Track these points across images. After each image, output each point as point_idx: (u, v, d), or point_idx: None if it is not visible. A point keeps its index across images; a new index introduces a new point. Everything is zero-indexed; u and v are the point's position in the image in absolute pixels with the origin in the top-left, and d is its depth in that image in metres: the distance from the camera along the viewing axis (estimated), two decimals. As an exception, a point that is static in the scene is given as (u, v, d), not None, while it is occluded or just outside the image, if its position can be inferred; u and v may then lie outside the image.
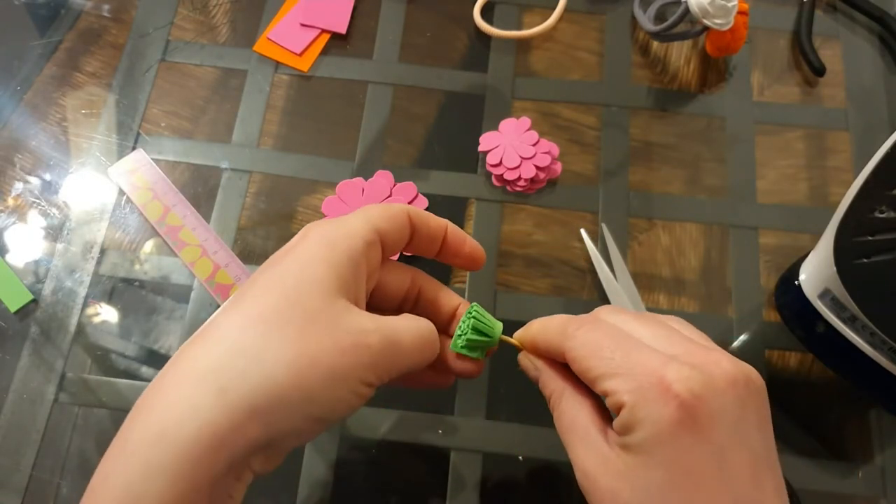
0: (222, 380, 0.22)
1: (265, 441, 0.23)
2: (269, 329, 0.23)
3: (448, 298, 0.31)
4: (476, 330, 0.29)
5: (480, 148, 0.47)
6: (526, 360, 0.29)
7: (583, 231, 0.45)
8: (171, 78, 0.50)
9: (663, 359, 0.23)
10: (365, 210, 0.28)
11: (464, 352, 0.30)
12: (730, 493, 0.22)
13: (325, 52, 0.51)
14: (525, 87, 0.50)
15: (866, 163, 0.35)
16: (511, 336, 0.30)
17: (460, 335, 0.30)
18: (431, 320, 0.29)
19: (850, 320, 0.36)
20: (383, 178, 0.46)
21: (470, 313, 0.30)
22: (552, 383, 0.27)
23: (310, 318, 0.24)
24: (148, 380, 0.42)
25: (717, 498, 0.22)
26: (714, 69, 0.51)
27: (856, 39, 0.52)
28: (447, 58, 0.51)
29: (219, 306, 0.43)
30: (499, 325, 0.30)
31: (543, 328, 0.28)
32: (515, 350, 0.30)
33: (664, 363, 0.23)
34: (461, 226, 0.45)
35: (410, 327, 0.27)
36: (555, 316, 0.28)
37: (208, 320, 0.25)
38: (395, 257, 0.39)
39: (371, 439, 0.40)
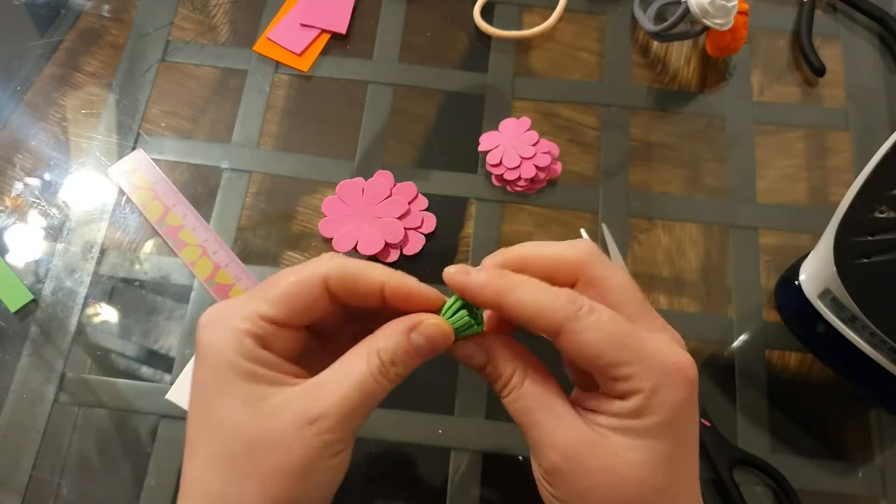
0: None
1: None
2: (224, 472, 0.24)
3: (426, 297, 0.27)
4: (465, 310, 0.26)
5: (480, 148, 0.47)
6: (471, 347, 0.26)
7: (583, 231, 0.45)
8: (171, 78, 0.50)
9: (669, 344, 0.25)
10: (260, 292, 0.25)
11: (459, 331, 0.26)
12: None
13: (325, 52, 0.51)
14: (525, 87, 0.50)
15: (866, 163, 0.35)
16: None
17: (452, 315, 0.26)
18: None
19: (850, 320, 0.36)
20: (383, 178, 0.46)
21: (453, 302, 0.26)
22: (510, 364, 0.25)
23: (248, 447, 0.23)
24: (148, 380, 0.42)
25: (696, 459, 0.25)
26: (714, 69, 0.51)
27: (856, 39, 0.52)
28: (447, 58, 0.51)
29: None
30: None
31: (534, 296, 0.24)
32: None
33: (672, 349, 0.24)
34: (461, 226, 0.45)
35: (342, 380, 0.24)
36: (534, 283, 0.25)
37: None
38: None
39: (371, 439, 0.40)
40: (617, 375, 0.24)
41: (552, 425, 0.24)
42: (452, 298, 0.26)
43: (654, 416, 0.23)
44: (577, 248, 0.26)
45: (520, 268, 0.25)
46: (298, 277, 0.25)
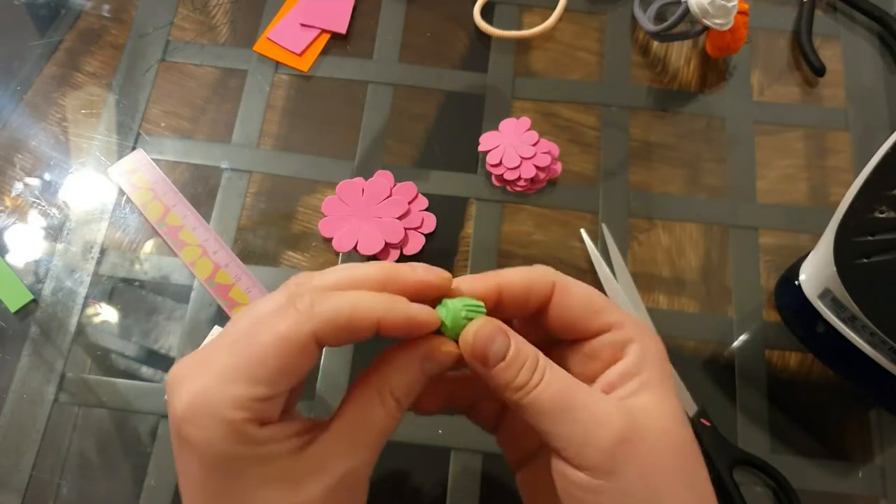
0: None
1: None
2: None
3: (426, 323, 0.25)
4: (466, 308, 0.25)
5: (480, 148, 0.47)
6: (492, 326, 0.23)
7: (583, 231, 0.45)
8: (171, 78, 0.50)
9: (641, 325, 0.25)
10: (240, 363, 0.21)
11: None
12: None
13: (325, 52, 0.51)
14: (525, 87, 0.50)
15: (866, 163, 0.35)
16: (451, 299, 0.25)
17: (453, 320, 0.24)
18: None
19: (850, 320, 0.36)
20: (383, 178, 0.46)
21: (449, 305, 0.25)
22: (529, 347, 0.24)
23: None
24: (148, 380, 0.42)
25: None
26: (714, 69, 0.51)
27: (856, 39, 0.52)
28: (447, 58, 0.51)
29: (219, 306, 0.43)
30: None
31: (525, 271, 0.25)
32: None
33: (645, 328, 0.25)
34: (461, 226, 0.46)
35: (365, 431, 0.23)
36: (501, 271, 0.25)
37: None
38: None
39: (371, 439, 0.40)
40: (610, 322, 0.24)
41: (598, 401, 0.23)
42: (450, 303, 0.24)
43: (655, 363, 0.24)
44: (545, 269, 0.26)
45: (494, 287, 0.25)
46: (283, 345, 0.21)
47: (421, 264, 0.25)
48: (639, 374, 0.24)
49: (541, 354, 0.24)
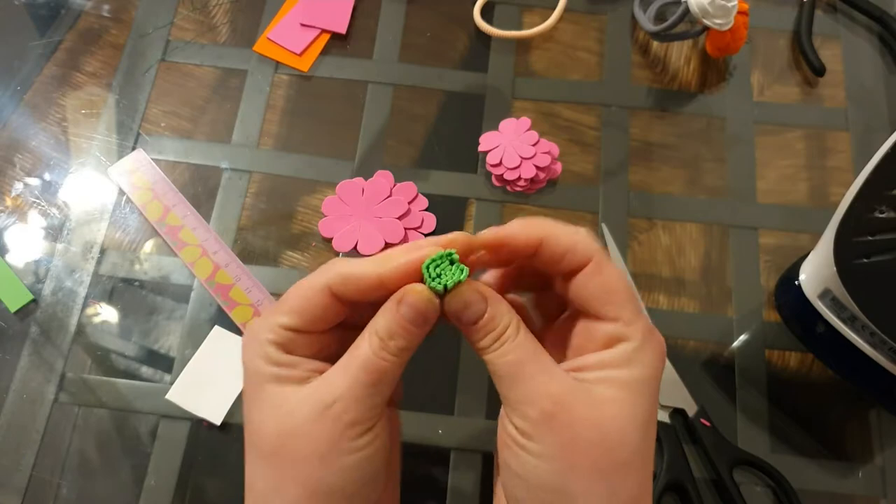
0: None
1: None
2: (262, 471, 0.26)
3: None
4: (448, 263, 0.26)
5: (480, 148, 0.47)
6: (469, 294, 0.26)
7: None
8: (171, 78, 0.50)
9: (650, 328, 0.27)
10: (280, 305, 0.27)
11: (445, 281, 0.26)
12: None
13: (325, 52, 0.51)
14: (525, 87, 0.50)
15: (866, 163, 0.35)
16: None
17: (436, 276, 0.26)
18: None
19: (850, 320, 0.36)
20: (383, 178, 0.46)
21: (437, 260, 0.26)
22: (508, 314, 0.26)
23: (277, 446, 0.25)
24: (148, 380, 0.42)
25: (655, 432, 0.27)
26: (714, 69, 0.51)
27: (856, 39, 0.52)
28: (447, 58, 0.51)
29: (219, 306, 0.43)
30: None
31: (571, 232, 0.26)
32: None
33: (655, 329, 0.27)
34: (461, 226, 0.46)
35: (350, 363, 0.26)
36: (565, 228, 0.27)
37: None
38: None
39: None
40: (618, 316, 0.26)
41: (544, 376, 0.25)
42: (435, 256, 0.26)
43: (638, 368, 0.25)
44: (589, 240, 0.27)
45: (540, 235, 0.27)
46: (304, 290, 0.27)
47: (428, 240, 0.27)
48: (615, 367, 0.25)
49: (514, 324, 0.26)
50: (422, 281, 0.26)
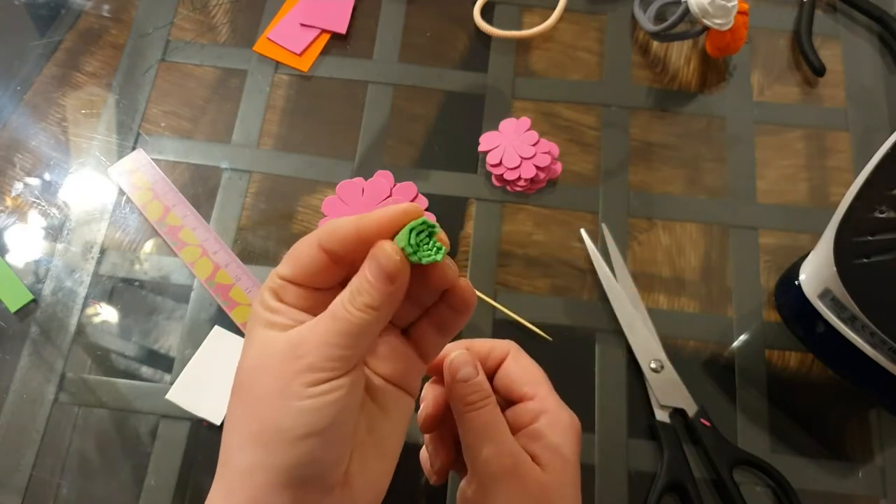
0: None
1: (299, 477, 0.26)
2: (232, 401, 0.28)
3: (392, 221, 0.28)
4: (422, 231, 0.26)
5: (480, 148, 0.47)
6: (467, 356, 0.32)
7: (583, 231, 0.45)
8: (171, 78, 0.50)
9: (561, 404, 0.33)
10: (281, 262, 0.29)
11: (426, 254, 0.26)
12: None
13: (325, 52, 0.51)
14: (525, 87, 0.50)
15: (866, 163, 0.35)
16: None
17: (415, 245, 0.26)
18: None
19: (850, 320, 0.36)
20: (383, 178, 0.46)
21: (415, 226, 0.26)
22: (487, 387, 0.31)
23: (247, 378, 0.27)
24: (148, 380, 0.42)
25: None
26: (714, 69, 0.51)
27: (856, 39, 0.52)
28: (447, 58, 0.51)
29: (219, 306, 0.43)
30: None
31: (484, 341, 0.34)
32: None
33: (566, 408, 0.33)
34: (461, 226, 0.46)
35: (322, 314, 0.27)
36: (473, 341, 0.34)
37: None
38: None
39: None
40: (535, 393, 0.32)
41: (507, 439, 0.31)
42: (417, 223, 0.26)
43: (561, 434, 0.31)
44: (507, 342, 0.34)
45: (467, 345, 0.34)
46: (298, 244, 0.29)
47: (414, 205, 0.28)
48: (544, 437, 0.31)
49: (493, 397, 0.31)
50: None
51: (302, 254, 0.28)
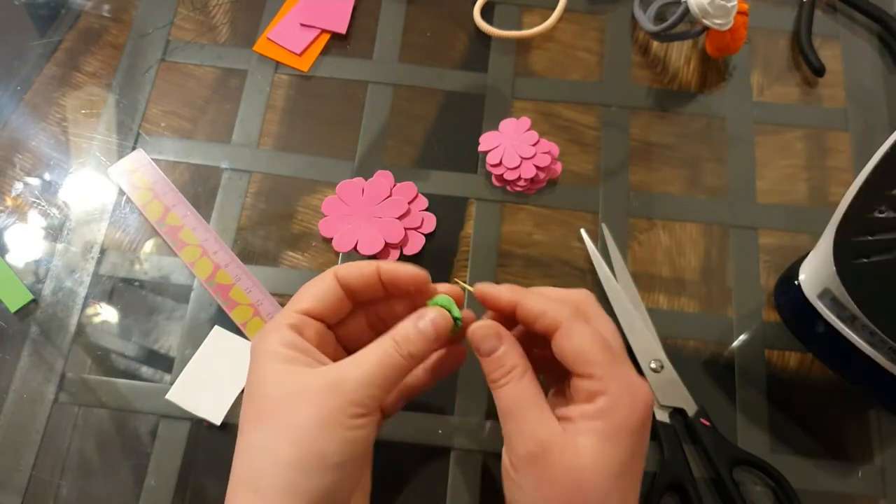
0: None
1: None
2: (259, 428, 0.29)
3: (411, 274, 0.32)
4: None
5: (480, 148, 0.47)
6: (491, 329, 0.31)
7: (583, 231, 0.45)
8: (171, 78, 0.50)
9: (635, 373, 0.30)
10: (294, 299, 0.32)
11: None
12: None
13: (325, 52, 0.51)
14: (525, 87, 0.50)
15: (866, 163, 0.35)
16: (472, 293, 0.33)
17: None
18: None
19: (850, 320, 0.36)
20: (383, 178, 0.46)
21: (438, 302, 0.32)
22: (516, 358, 0.30)
23: (280, 405, 0.29)
24: (148, 380, 0.42)
25: (640, 478, 0.30)
26: (714, 69, 0.51)
27: (856, 39, 0.52)
28: (447, 58, 0.51)
29: (219, 306, 0.43)
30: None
31: (540, 298, 0.30)
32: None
33: (636, 376, 0.29)
34: (461, 226, 0.46)
35: (365, 355, 0.30)
36: (544, 289, 0.32)
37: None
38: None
39: (371, 439, 0.40)
40: (592, 373, 0.28)
41: (536, 420, 0.29)
42: (437, 299, 0.32)
43: (613, 420, 0.28)
44: (579, 292, 0.32)
45: (515, 300, 0.31)
46: (314, 282, 0.32)
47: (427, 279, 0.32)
48: (592, 419, 0.28)
49: (522, 366, 0.30)
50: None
51: (320, 290, 0.31)
